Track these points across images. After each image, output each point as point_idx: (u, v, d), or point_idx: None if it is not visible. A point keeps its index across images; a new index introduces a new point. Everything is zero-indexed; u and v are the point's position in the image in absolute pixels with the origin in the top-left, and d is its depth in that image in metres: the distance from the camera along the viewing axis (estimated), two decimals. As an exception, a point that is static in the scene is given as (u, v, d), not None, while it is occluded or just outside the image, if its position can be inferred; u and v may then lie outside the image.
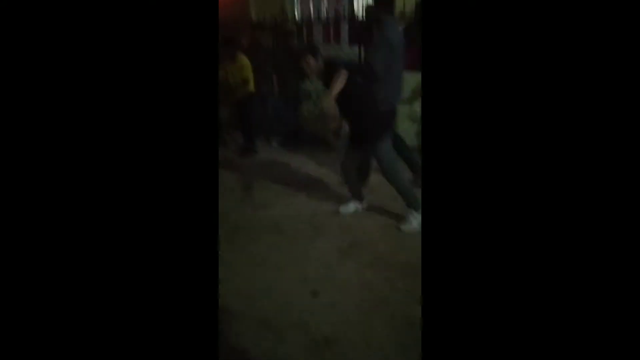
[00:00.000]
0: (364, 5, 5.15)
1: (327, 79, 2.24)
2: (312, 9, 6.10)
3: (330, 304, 1.87)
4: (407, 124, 4.02)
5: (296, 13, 5.95)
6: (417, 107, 3.91)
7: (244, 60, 3.83)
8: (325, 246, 2.36)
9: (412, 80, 3.83)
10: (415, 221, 2.40)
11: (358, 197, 2.68)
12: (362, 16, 5.08)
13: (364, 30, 4.96)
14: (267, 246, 2.40)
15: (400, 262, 2.14)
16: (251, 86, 3.93)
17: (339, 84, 2.13)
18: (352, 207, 2.69)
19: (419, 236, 0.90)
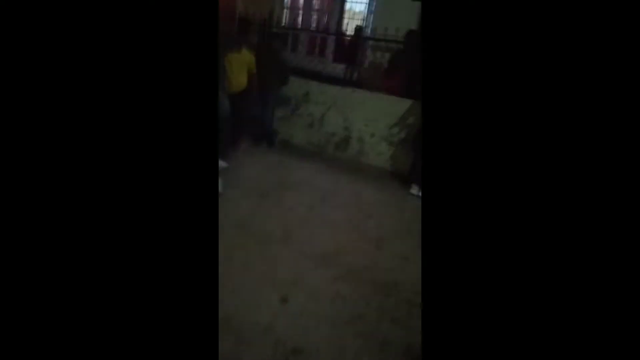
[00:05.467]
0: (355, 25, 5.17)
1: None
2: (300, 17, 6.04)
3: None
4: (384, 146, 3.98)
5: (284, 18, 5.83)
6: (395, 131, 3.90)
7: (248, 53, 3.45)
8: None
9: (396, 106, 3.84)
10: None
11: None
12: (351, 35, 5.09)
13: (351, 50, 4.96)
14: (233, 246, 2.13)
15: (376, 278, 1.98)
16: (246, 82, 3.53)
17: None
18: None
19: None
